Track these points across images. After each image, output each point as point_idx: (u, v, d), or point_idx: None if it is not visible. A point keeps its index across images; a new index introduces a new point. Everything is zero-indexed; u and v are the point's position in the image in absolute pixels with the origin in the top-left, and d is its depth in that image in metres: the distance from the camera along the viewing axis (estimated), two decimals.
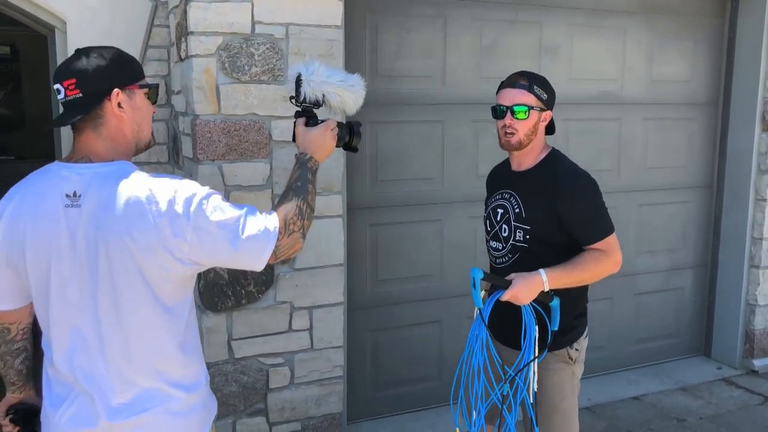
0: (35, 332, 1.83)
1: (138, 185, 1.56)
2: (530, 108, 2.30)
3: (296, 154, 1.88)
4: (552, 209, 2.29)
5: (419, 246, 3.83)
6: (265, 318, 3.23)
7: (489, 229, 2.51)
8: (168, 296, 1.62)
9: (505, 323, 2.38)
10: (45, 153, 7.40)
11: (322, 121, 1.93)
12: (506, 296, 2.18)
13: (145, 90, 1.71)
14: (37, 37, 4.53)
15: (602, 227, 2.34)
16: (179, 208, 1.54)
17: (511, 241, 2.38)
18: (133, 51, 3.36)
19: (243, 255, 1.61)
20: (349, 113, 2.00)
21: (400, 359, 3.92)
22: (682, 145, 4.60)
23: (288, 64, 3.11)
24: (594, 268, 2.30)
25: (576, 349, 2.41)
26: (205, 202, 1.57)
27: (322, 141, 1.89)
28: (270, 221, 1.63)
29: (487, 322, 2.23)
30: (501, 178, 2.54)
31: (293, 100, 1.96)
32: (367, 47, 3.60)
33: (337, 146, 1.96)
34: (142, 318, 1.60)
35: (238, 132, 3.06)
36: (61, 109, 1.66)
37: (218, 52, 2.99)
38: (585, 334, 2.48)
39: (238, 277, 3.13)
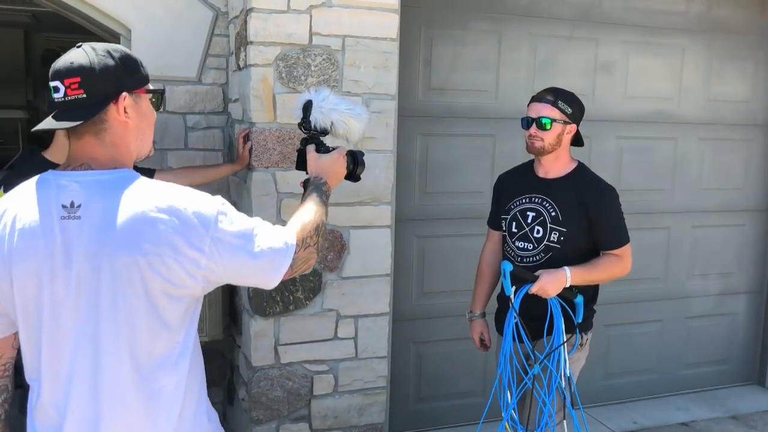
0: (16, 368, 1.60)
1: (147, 194, 1.41)
2: (553, 121, 2.57)
3: (308, 179, 1.88)
4: (585, 214, 2.58)
5: (466, 260, 3.80)
6: (312, 325, 3.26)
7: (515, 230, 2.72)
8: (172, 319, 1.44)
9: (532, 320, 2.58)
10: None
11: (333, 149, 1.93)
12: (534, 288, 2.48)
13: (151, 96, 1.56)
14: None
15: (623, 235, 2.64)
16: (195, 218, 1.40)
17: (545, 242, 2.62)
18: (194, 59, 3.47)
19: (262, 266, 1.49)
20: (352, 141, 2.04)
21: (443, 373, 3.90)
22: (739, 167, 4.50)
23: (344, 75, 3.16)
24: (609, 270, 2.61)
25: (586, 339, 2.70)
26: (221, 211, 1.44)
27: (336, 168, 1.90)
28: (287, 233, 1.54)
29: (518, 310, 2.51)
30: (523, 183, 2.77)
31: (302, 127, 2.00)
32: (421, 60, 3.62)
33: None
34: (142, 341, 1.42)
35: (292, 140, 3.11)
36: (51, 109, 1.47)
37: (276, 62, 3.05)
38: (591, 329, 2.76)
39: (287, 283, 3.17)
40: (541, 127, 2.57)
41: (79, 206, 1.39)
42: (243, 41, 3.13)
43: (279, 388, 3.23)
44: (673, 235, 4.38)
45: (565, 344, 2.54)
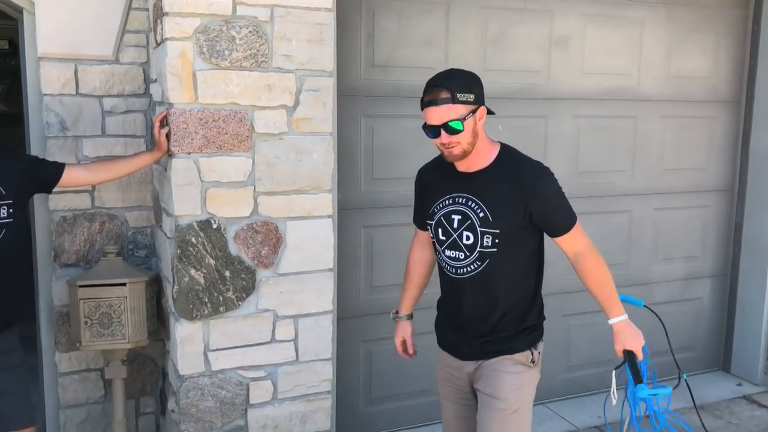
0: None
1: None
2: (463, 120, 2.12)
3: None
4: (521, 205, 2.18)
5: None
6: (246, 327, 2.96)
7: (443, 238, 2.30)
8: None
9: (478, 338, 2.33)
10: None
11: None
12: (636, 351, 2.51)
13: None
14: None
15: (570, 213, 2.27)
16: None
17: (478, 249, 2.23)
18: (109, 36, 3.12)
19: None
20: None
21: (396, 372, 3.64)
22: (702, 146, 4.31)
23: (273, 49, 2.84)
24: (602, 268, 2.33)
25: (538, 352, 2.36)
26: None
27: None
28: None
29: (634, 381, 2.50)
30: (444, 181, 2.32)
31: None
32: (362, 34, 3.33)
33: None
34: None
35: (217, 123, 2.80)
36: None
37: (195, 35, 2.73)
38: (542, 339, 2.41)
39: (215, 281, 2.87)
40: (452, 132, 2.12)
41: None
42: (159, 13, 2.79)
43: (210, 398, 2.93)
44: (635, 218, 4.18)
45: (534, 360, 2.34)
